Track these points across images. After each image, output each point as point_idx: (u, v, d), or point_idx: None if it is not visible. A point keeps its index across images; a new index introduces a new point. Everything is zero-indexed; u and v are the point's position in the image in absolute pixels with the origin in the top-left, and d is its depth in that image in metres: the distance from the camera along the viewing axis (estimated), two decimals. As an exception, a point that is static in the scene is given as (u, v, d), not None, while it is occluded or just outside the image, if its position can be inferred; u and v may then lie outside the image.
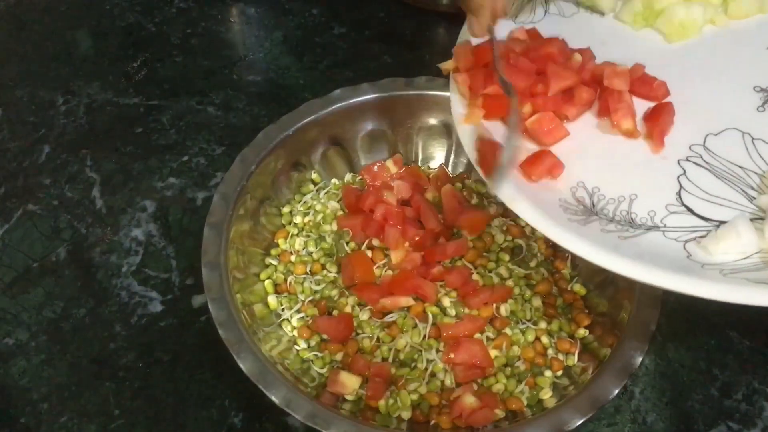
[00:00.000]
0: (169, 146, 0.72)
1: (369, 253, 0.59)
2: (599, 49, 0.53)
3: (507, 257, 0.59)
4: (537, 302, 0.57)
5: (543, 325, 0.56)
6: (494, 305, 0.57)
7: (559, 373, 0.54)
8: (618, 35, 0.56)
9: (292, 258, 0.60)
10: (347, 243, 0.60)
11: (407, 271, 0.57)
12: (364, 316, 0.56)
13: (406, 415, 0.52)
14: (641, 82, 0.51)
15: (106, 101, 0.76)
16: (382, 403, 0.53)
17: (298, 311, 0.58)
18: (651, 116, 0.50)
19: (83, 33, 0.82)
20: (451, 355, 0.54)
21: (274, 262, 0.60)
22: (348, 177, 0.66)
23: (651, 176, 0.48)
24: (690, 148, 0.49)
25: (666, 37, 0.55)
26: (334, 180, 0.65)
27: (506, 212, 0.61)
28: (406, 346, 0.55)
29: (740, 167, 0.48)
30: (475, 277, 0.58)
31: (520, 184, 0.46)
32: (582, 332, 0.56)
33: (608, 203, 0.46)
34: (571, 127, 0.50)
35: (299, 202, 0.64)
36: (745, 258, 0.42)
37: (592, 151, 0.49)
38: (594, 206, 0.46)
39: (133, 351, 0.59)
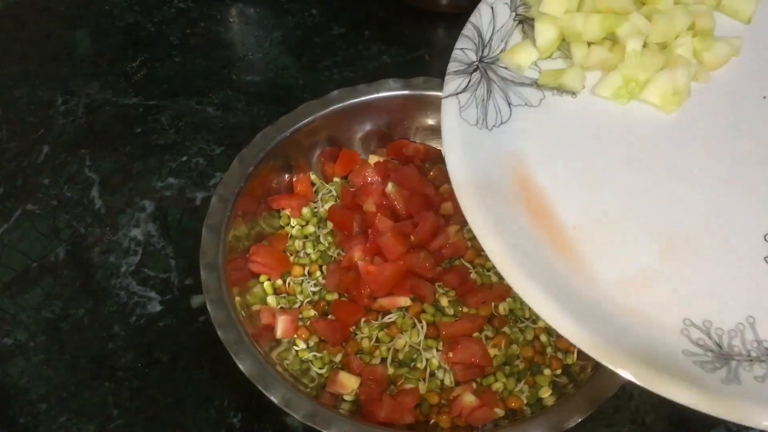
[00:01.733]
0: (168, 146, 0.72)
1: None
2: (591, 137, 0.47)
3: (506, 256, 0.59)
4: (536, 301, 0.57)
5: (542, 323, 0.56)
6: (493, 304, 0.57)
7: (559, 371, 0.54)
8: (603, 115, 0.48)
9: (291, 259, 0.60)
10: (336, 250, 0.60)
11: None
12: (362, 316, 0.56)
13: (405, 414, 0.52)
14: None
15: (105, 101, 0.75)
16: (380, 402, 0.53)
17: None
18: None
19: (82, 33, 0.82)
20: (450, 354, 0.54)
21: (273, 263, 0.60)
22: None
23: (751, 287, 0.41)
24: (765, 238, 0.43)
25: (661, 107, 0.48)
26: (336, 179, 0.65)
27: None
28: (405, 346, 0.55)
29: None
30: (473, 275, 0.58)
31: (626, 336, 0.39)
32: (581, 331, 0.56)
33: (731, 337, 0.39)
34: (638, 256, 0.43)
35: (297, 203, 0.64)
36: None
37: (674, 277, 0.42)
38: (721, 346, 0.39)
39: (132, 351, 0.59)
